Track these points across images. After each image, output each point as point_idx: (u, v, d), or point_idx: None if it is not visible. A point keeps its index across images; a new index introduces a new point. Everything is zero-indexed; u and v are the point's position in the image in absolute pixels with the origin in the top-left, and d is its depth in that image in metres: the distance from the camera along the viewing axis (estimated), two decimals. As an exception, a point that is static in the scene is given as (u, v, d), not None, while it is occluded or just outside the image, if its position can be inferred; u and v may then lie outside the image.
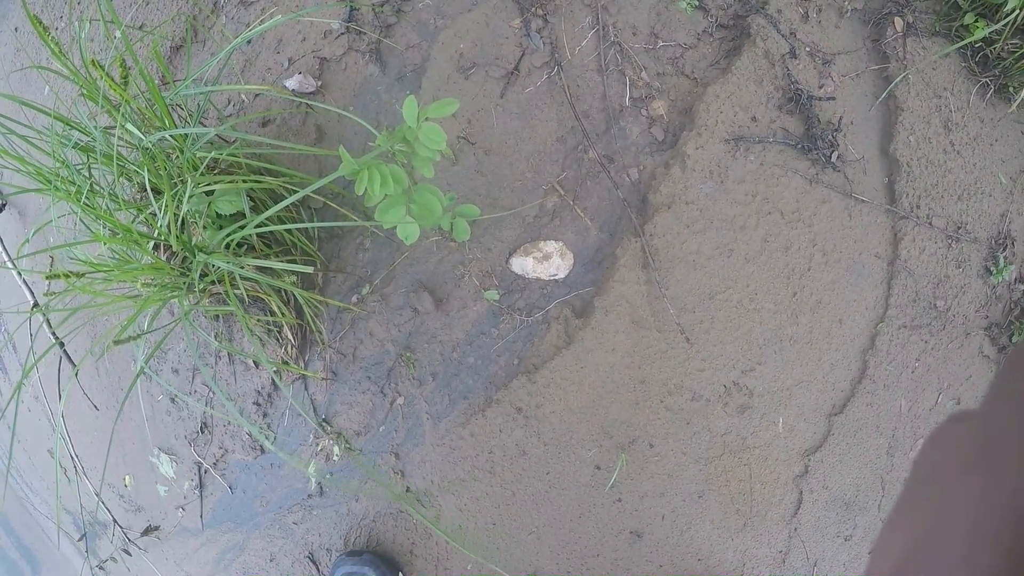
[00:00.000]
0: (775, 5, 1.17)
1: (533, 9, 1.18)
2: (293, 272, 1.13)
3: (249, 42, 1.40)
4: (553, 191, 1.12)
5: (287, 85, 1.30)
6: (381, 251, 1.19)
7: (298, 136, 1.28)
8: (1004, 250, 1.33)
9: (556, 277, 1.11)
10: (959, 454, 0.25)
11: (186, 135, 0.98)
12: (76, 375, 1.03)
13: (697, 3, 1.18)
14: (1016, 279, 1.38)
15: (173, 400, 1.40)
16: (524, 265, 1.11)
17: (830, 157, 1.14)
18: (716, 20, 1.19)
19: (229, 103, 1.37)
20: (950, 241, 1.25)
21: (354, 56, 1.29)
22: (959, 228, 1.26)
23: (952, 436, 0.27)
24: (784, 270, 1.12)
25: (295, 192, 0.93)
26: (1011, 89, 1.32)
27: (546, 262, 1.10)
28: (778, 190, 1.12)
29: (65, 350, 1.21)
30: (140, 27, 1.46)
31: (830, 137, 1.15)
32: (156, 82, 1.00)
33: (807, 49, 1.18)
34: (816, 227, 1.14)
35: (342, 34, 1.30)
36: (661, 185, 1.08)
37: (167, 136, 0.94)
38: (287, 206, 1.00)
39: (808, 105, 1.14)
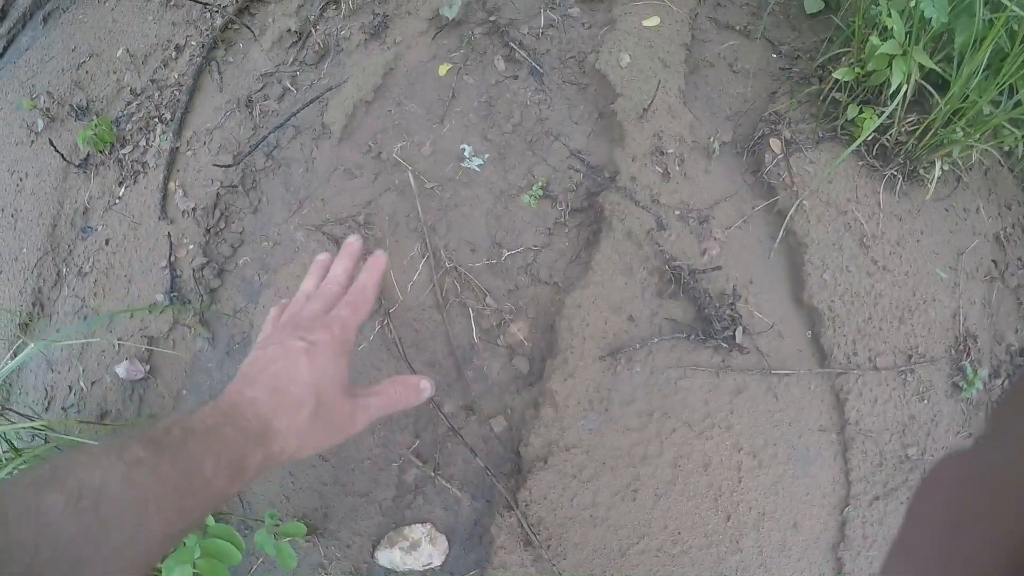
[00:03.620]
0: (627, 172, 0.89)
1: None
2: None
3: (85, 318, 1.16)
4: (409, 464, 0.85)
5: (117, 372, 1.05)
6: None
7: (134, 429, 1.03)
8: (967, 355, 1.01)
9: (432, 566, 0.83)
10: (954, 496, 0.22)
11: None
12: None
13: (541, 193, 0.91)
14: (990, 375, 1.06)
15: None
16: (392, 558, 0.83)
17: (734, 337, 0.85)
18: (568, 206, 0.92)
19: (71, 391, 1.13)
20: (903, 376, 0.95)
21: (181, 331, 1.05)
22: (910, 357, 0.96)
23: (947, 478, 0.23)
24: (708, 493, 0.82)
25: None
26: (922, 171, 1.03)
27: (415, 552, 0.82)
28: (679, 398, 0.83)
29: None
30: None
31: (727, 312, 0.86)
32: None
33: (676, 213, 0.90)
34: (737, 426, 0.84)
35: (167, 306, 1.05)
36: (531, 435, 0.80)
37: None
38: None
39: (692, 282, 0.86)
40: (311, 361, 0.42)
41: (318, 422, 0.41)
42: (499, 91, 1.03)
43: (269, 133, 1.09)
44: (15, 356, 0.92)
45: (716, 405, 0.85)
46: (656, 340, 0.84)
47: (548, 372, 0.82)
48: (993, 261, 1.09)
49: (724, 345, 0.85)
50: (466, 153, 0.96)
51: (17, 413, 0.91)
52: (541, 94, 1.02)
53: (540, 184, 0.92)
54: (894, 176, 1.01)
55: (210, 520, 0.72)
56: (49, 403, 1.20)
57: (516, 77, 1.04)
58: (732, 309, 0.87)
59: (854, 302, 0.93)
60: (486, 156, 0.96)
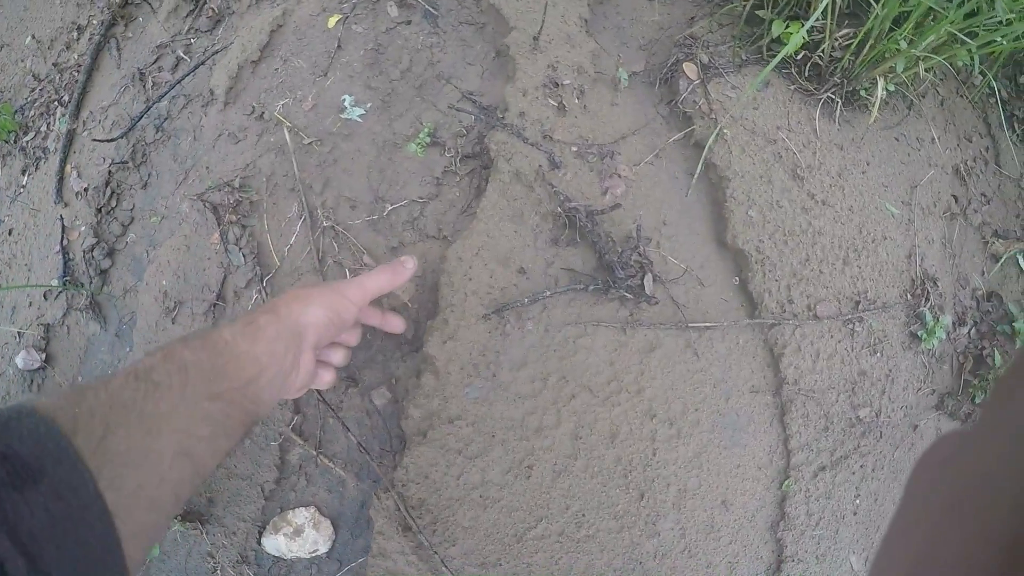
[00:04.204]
0: (516, 108, 0.76)
1: (227, 216, 0.80)
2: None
3: (-9, 310, 1.06)
4: (291, 442, 0.72)
5: (17, 363, 0.94)
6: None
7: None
8: (926, 300, 0.86)
9: (318, 553, 0.70)
10: (948, 480, 0.20)
11: None
12: None
13: (429, 140, 0.78)
14: (955, 323, 0.90)
15: None
16: (277, 545, 0.71)
17: (642, 286, 0.71)
18: (458, 152, 0.79)
19: (-27, 385, 1.03)
20: (851, 326, 0.80)
21: (75, 316, 0.94)
22: (857, 304, 0.81)
23: (941, 461, 0.21)
24: (617, 468, 0.68)
25: None
26: (863, 92, 0.87)
27: (299, 537, 0.70)
28: (579, 359, 0.69)
29: None
30: None
31: (633, 257, 0.72)
32: None
33: (573, 149, 0.76)
34: (649, 390, 0.70)
35: (61, 291, 0.94)
36: (410, 406, 0.67)
37: None
38: None
39: (591, 225, 0.72)
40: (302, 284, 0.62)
41: (313, 290, 0.52)
42: (389, 38, 0.90)
43: (152, 104, 0.98)
44: None
45: (623, 366, 0.71)
46: (550, 294, 0.70)
47: (426, 335, 0.69)
48: (953, 196, 0.92)
49: (629, 296, 0.71)
50: (346, 104, 0.83)
51: None
52: (435, 37, 0.89)
53: (427, 131, 0.79)
54: (831, 100, 0.86)
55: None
56: (-39, 401, 1.11)
57: (409, 22, 0.91)
58: (639, 254, 0.73)
59: (788, 241, 0.78)
60: (368, 105, 0.83)
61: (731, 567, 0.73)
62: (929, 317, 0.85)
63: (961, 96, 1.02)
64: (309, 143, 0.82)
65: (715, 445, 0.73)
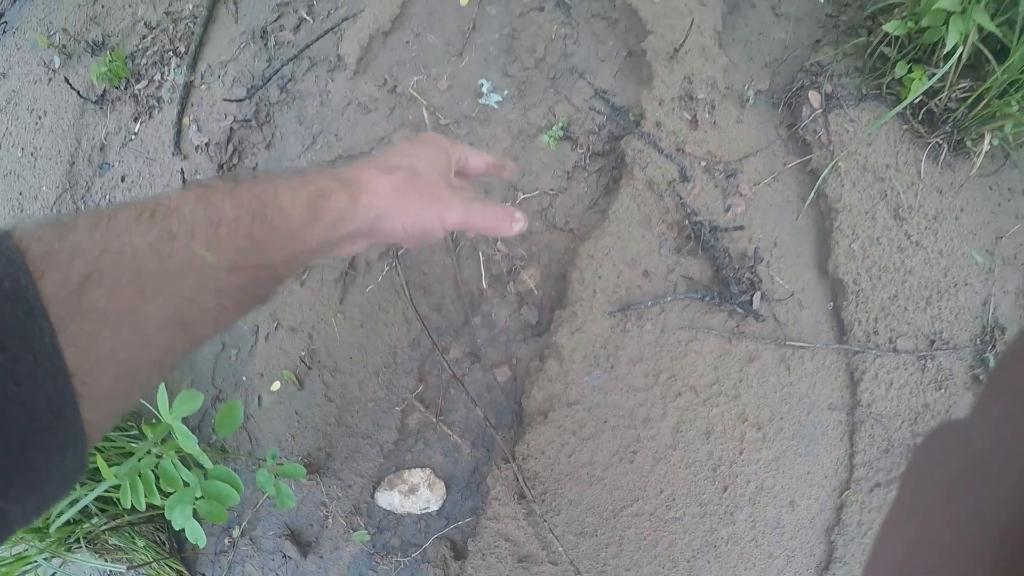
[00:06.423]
0: (652, 117, 0.72)
1: (357, 178, 0.77)
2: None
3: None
4: (412, 408, 0.73)
5: None
6: (244, 490, 0.82)
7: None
8: (991, 348, 0.85)
9: (429, 510, 0.72)
10: (944, 467, 0.19)
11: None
12: None
13: (562, 133, 0.75)
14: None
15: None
16: (391, 500, 0.73)
17: (751, 302, 0.70)
18: (589, 149, 0.76)
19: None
20: (923, 362, 0.80)
21: None
22: (932, 342, 0.80)
23: (938, 449, 0.20)
24: (708, 462, 0.69)
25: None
26: (969, 143, 0.84)
27: (413, 495, 0.71)
28: (688, 361, 0.69)
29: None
30: None
31: (747, 275, 0.71)
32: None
33: (702, 164, 0.73)
34: (744, 396, 0.71)
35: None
36: (534, 387, 0.67)
37: None
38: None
39: (713, 239, 0.70)
40: (412, 144, 0.38)
41: (411, 191, 0.36)
42: (523, 23, 0.85)
43: (281, 67, 0.93)
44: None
45: (725, 372, 0.71)
46: (670, 298, 0.69)
47: (556, 324, 0.69)
48: (1031, 248, 0.91)
49: (740, 310, 0.70)
50: (484, 89, 0.79)
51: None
52: (568, 28, 0.84)
53: (561, 124, 0.76)
54: (938, 145, 0.83)
55: (208, 463, 0.61)
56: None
57: (542, 9, 0.86)
58: (752, 272, 0.72)
59: (881, 277, 0.77)
60: (505, 92, 0.79)
61: (788, 560, 0.76)
62: (993, 363, 0.86)
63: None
64: (446, 124, 0.79)
65: (792, 452, 0.74)
